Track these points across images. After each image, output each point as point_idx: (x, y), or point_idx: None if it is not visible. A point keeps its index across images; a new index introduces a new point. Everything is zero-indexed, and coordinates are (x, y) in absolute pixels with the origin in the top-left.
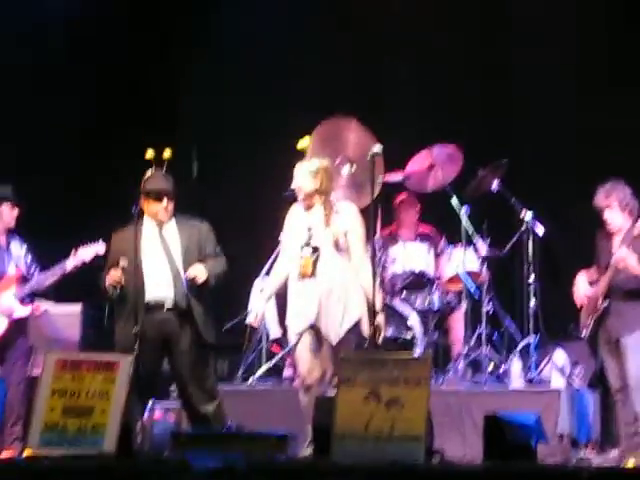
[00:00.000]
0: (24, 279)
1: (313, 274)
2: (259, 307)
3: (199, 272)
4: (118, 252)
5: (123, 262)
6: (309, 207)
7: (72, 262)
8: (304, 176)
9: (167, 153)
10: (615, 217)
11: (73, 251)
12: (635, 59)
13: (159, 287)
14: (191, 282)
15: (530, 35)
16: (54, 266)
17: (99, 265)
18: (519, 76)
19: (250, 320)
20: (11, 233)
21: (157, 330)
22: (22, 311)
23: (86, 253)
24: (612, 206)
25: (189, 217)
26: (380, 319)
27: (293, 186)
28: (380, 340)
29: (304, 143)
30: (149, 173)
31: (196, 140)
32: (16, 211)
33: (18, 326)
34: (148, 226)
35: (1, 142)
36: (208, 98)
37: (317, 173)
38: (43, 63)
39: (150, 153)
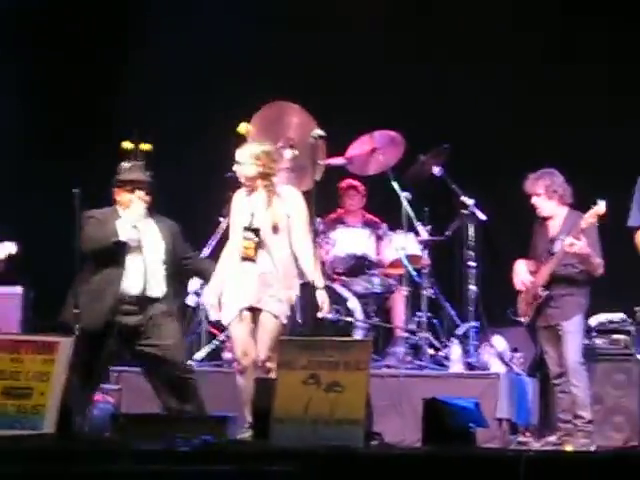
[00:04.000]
0: None
1: (255, 257)
2: (213, 299)
3: None
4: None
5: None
6: (252, 191)
7: None
8: (246, 160)
9: (146, 146)
10: (542, 203)
11: None
12: (576, 39)
13: (127, 279)
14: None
15: (467, 22)
16: None
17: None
18: (460, 61)
19: (210, 316)
20: None
21: (118, 320)
22: None
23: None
24: (539, 193)
25: (160, 215)
26: (321, 295)
27: (235, 169)
28: (322, 315)
29: (244, 128)
30: (125, 164)
31: (135, 123)
32: None
33: None
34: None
35: None
36: (148, 79)
37: (259, 157)
38: None
39: (127, 144)
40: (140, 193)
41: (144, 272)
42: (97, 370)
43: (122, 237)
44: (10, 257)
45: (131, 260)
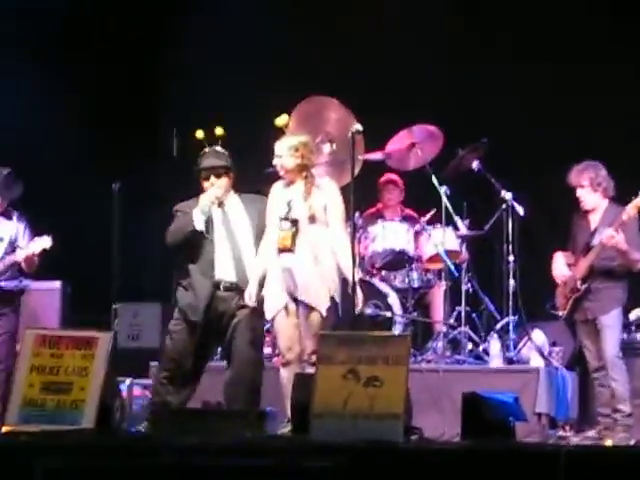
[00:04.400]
0: None
1: (292, 247)
2: (252, 287)
3: None
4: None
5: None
6: (291, 183)
7: (23, 252)
8: (284, 152)
9: (219, 130)
10: (586, 196)
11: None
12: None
13: (220, 266)
14: None
15: (507, 14)
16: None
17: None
18: (500, 56)
19: (246, 301)
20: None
21: (215, 308)
22: None
23: (35, 246)
24: (583, 185)
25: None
26: (357, 292)
27: (274, 163)
28: (357, 311)
29: (281, 120)
30: (201, 153)
31: (176, 118)
32: None
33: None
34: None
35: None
36: (189, 75)
37: (297, 149)
38: None
39: (199, 133)
40: (214, 179)
41: (236, 256)
42: (197, 364)
43: (197, 226)
44: (45, 251)
45: (221, 246)
